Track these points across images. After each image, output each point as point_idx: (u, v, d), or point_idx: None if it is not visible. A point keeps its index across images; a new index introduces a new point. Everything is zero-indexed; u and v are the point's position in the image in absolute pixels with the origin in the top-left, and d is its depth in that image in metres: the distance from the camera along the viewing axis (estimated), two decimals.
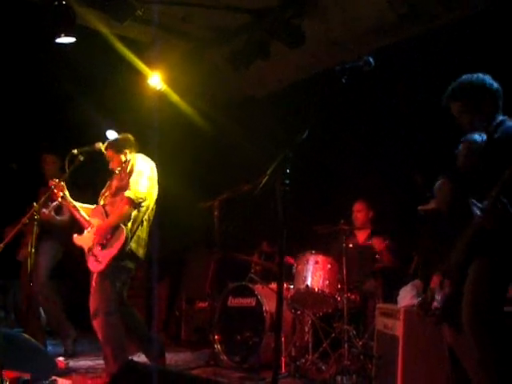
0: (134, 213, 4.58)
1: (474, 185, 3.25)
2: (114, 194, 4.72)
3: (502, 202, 2.90)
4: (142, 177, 4.61)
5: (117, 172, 4.84)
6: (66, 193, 4.82)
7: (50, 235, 5.86)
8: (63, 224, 5.77)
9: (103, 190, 4.90)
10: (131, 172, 4.64)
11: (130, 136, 4.98)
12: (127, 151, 4.88)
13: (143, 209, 4.66)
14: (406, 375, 4.03)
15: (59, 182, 4.78)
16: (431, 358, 4.05)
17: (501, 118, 3.28)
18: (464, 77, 3.35)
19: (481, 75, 3.32)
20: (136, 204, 4.55)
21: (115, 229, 4.49)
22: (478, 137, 3.26)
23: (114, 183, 4.79)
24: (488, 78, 3.31)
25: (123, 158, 4.86)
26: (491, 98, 3.27)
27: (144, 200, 4.60)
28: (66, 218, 5.71)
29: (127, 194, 4.51)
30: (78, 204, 4.88)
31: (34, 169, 6.20)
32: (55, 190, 4.77)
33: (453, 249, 3.21)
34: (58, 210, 5.75)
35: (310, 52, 6.50)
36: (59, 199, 4.84)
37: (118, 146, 4.91)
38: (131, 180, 4.57)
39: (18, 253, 5.95)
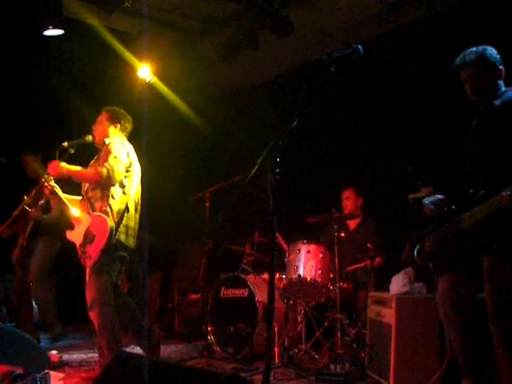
0: (117, 205, 4.52)
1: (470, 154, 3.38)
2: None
3: None
4: (119, 164, 4.50)
5: (94, 161, 4.75)
6: (57, 188, 4.70)
7: (43, 232, 5.93)
8: (53, 220, 5.81)
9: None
10: (107, 157, 4.52)
11: (130, 119, 4.91)
12: (118, 126, 4.81)
13: (125, 197, 4.59)
14: (399, 363, 4.05)
15: (48, 177, 4.66)
16: (424, 345, 4.07)
17: (503, 88, 3.41)
18: (479, 46, 3.42)
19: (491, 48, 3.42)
20: (103, 182, 4.44)
21: (99, 223, 4.42)
22: None
23: None
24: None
25: (110, 132, 4.78)
26: (501, 69, 3.39)
27: (112, 184, 4.50)
28: (55, 215, 5.77)
29: (100, 169, 4.41)
30: (67, 196, 4.77)
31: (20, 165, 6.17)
32: (45, 185, 4.67)
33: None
34: (46, 209, 5.86)
35: (299, 42, 6.48)
36: (49, 194, 4.75)
37: (114, 115, 4.84)
38: (108, 163, 4.45)
39: (13, 253, 5.97)
